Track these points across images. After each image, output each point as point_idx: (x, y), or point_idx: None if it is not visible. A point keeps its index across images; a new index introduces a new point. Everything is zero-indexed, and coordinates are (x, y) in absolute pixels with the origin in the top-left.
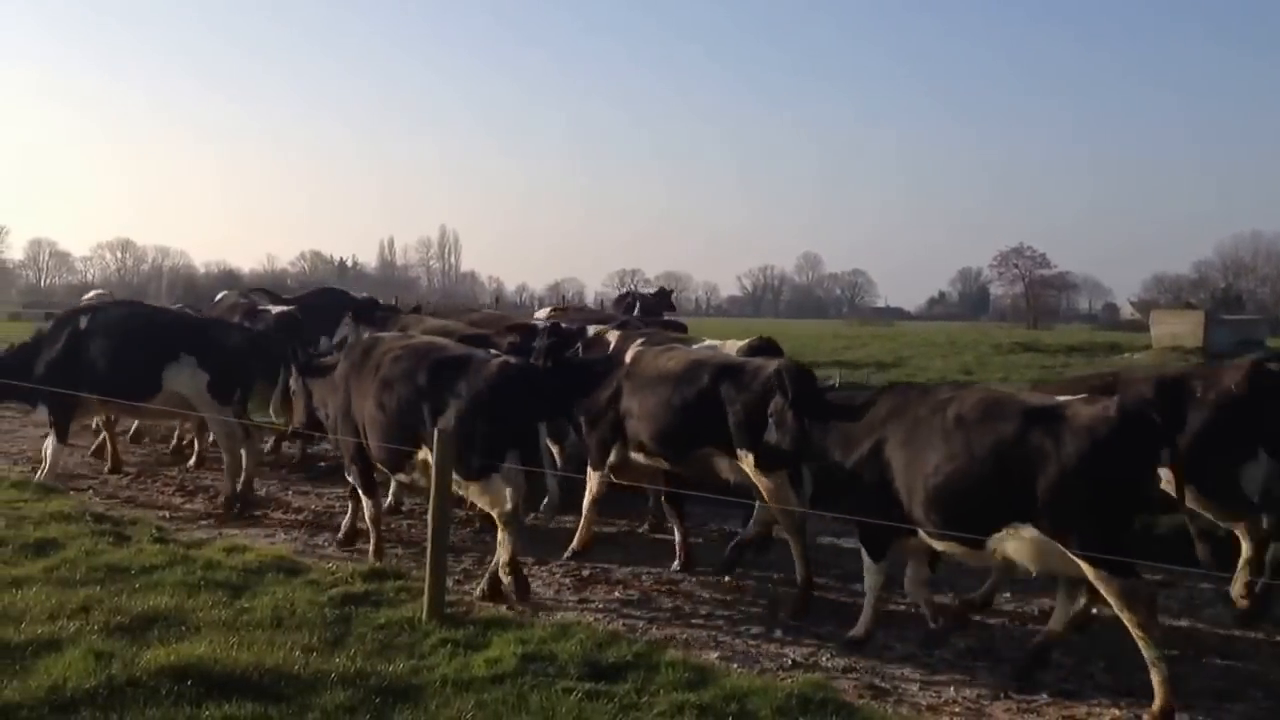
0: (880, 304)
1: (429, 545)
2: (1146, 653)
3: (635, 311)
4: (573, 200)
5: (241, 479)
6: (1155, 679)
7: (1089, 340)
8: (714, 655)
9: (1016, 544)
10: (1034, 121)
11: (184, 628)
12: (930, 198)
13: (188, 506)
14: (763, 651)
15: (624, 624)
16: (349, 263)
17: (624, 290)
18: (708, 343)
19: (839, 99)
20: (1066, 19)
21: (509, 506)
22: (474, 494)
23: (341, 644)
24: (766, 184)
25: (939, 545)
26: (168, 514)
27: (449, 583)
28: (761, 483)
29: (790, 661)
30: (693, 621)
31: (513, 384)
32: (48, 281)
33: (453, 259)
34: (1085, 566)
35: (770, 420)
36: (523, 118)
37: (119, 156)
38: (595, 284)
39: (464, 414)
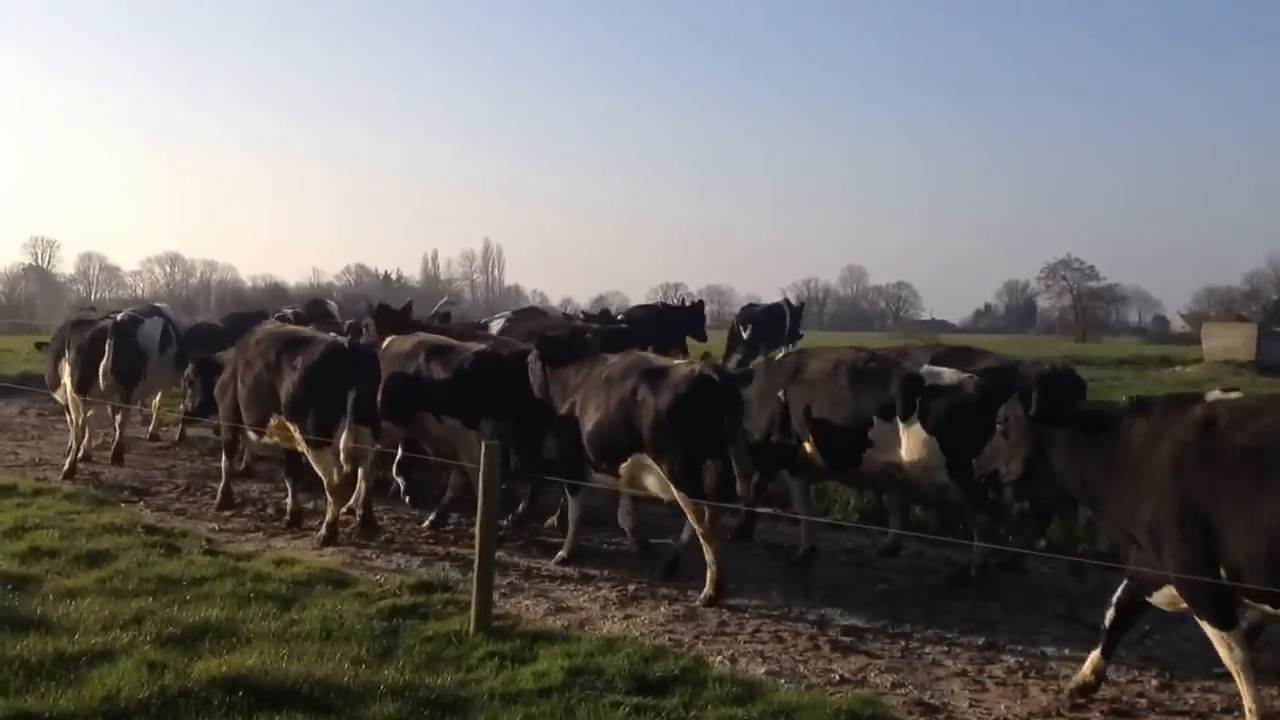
0: (925, 317)
1: (476, 558)
2: (706, 555)
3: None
4: (615, 214)
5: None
6: (710, 573)
7: (1138, 353)
8: (761, 670)
9: (636, 469)
10: (1080, 131)
11: (235, 639)
12: (976, 209)
13: (237, 518)
14: (810, 667)
15: (670, 639)
16: (393, 276)
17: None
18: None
19: (881, 110)
20: (1113, 25)
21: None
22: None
23: (390, 656)
24: (808, 196)
25: (597, 475)
26: (217, 526)
27: (495, 596)
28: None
29: (838, 677)
30: (739, 637)
31: (338, 358)
32: (98, 295)
33: (496, 272)
34: (673, 487)
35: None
36: (562, 131)
37: (168, 171)
38: (639, 297)
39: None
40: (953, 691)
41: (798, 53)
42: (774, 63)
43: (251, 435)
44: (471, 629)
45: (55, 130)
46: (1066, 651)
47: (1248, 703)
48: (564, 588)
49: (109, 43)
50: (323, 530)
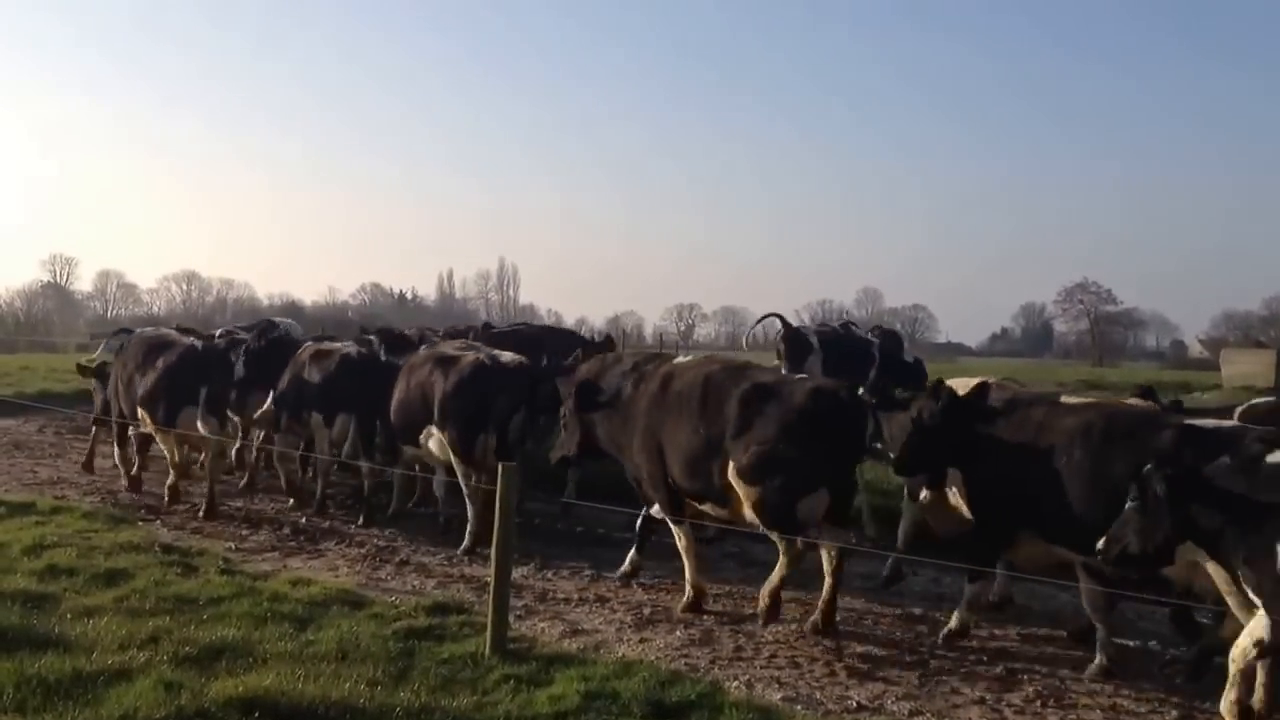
0: (941, 339)
1: (492, 580)
2: (469, 511)
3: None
4: (630, 234)
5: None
6: (469, 527)
7: (1156, 379)
8: (777, 696)
9: (432, 440)
10: (1098, 154)
11: (251, 659)
12: (992, 231)
13: (253, 538)
14: (827, 693)
15: (686, 663)
16: (409, 295)
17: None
18: None
19: (896, 132)
20: (1132, 48)
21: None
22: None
23: (405, 678)
24: (823, 217)
25: (409, 449)
26: (234, 545)
27: (510, 618)
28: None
29: (855, 703)
30: (756, 662)
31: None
32: (114, 312)
33: (511, 291)
34: (451, 454)
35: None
36: (577, 153)
37: (186, 190)
38: (654, 317)
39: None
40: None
41: (814, 76)
42: (791, 86)
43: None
44: (487, 651)
45: (75, 149)
46: (1086, 680)
47: (690, 578)
48: (579, 610)
49: (131, 65)
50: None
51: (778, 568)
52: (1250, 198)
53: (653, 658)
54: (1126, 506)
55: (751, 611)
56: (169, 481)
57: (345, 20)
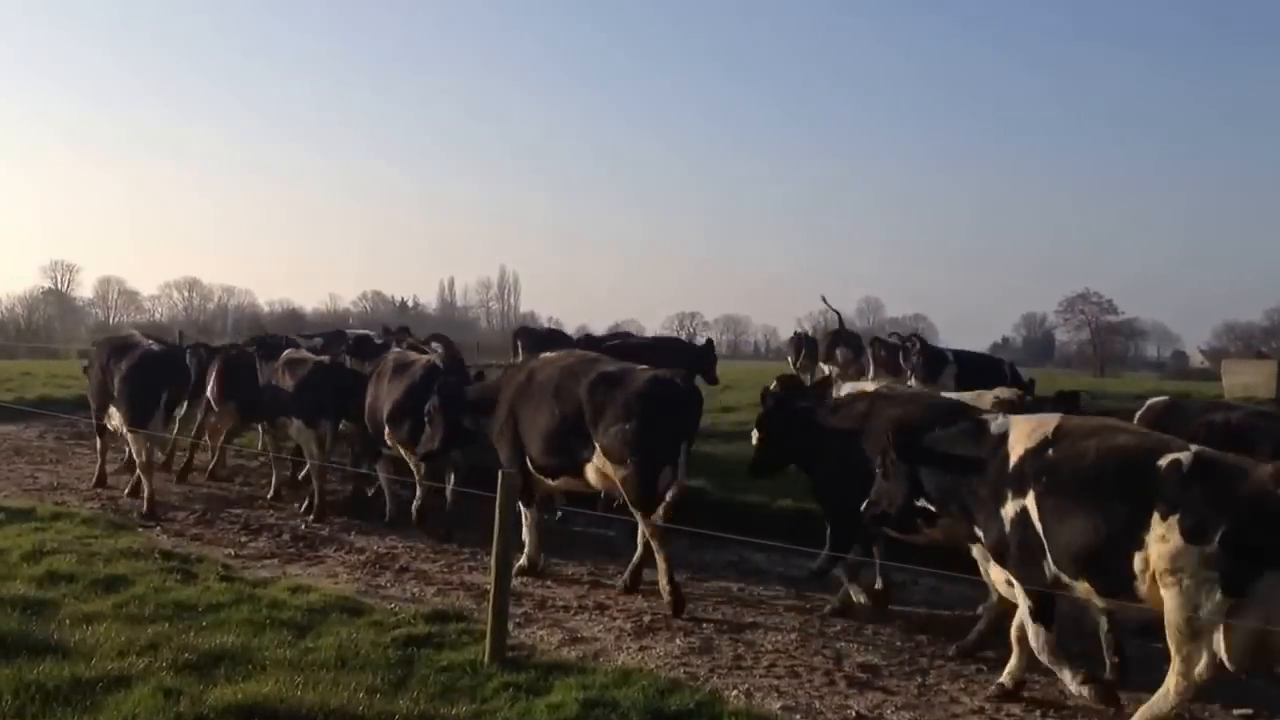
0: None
1: (492, 588)
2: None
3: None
4: (631, 243)
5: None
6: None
7: (1156, 389)
8: (777, 705)
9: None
10: (1099, 164)
11: (250, 666)
12: (993, 242)
13: (252, 545)
14: (826, 703)
15: (685, 672)
16: (410, 303)
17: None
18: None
19: (897, 142)
20: (1131, 62)
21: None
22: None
23: (404, 686)
24: (825, 227)
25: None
26: (233, 552)
27: (510, 626)
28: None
29: (854, 713)
30: (755, 671)
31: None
32: (116, 319)
33: (512, 300)
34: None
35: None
36: (578, 161)
37: (187, 197)
38: (654, 326)
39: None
40: None
41: (815, 84)
42: (793, 93)
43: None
44: (486, 659)
45: (75, 156)
46: (1084, 691)
47: (529, 549)
48: (579, 618)
49: (132, 70)
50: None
51: (659, 559)
52: (1253, 209)
53: (652, 666)
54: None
55: (752, 620)
56: (145, 493)
57: (350, 26)
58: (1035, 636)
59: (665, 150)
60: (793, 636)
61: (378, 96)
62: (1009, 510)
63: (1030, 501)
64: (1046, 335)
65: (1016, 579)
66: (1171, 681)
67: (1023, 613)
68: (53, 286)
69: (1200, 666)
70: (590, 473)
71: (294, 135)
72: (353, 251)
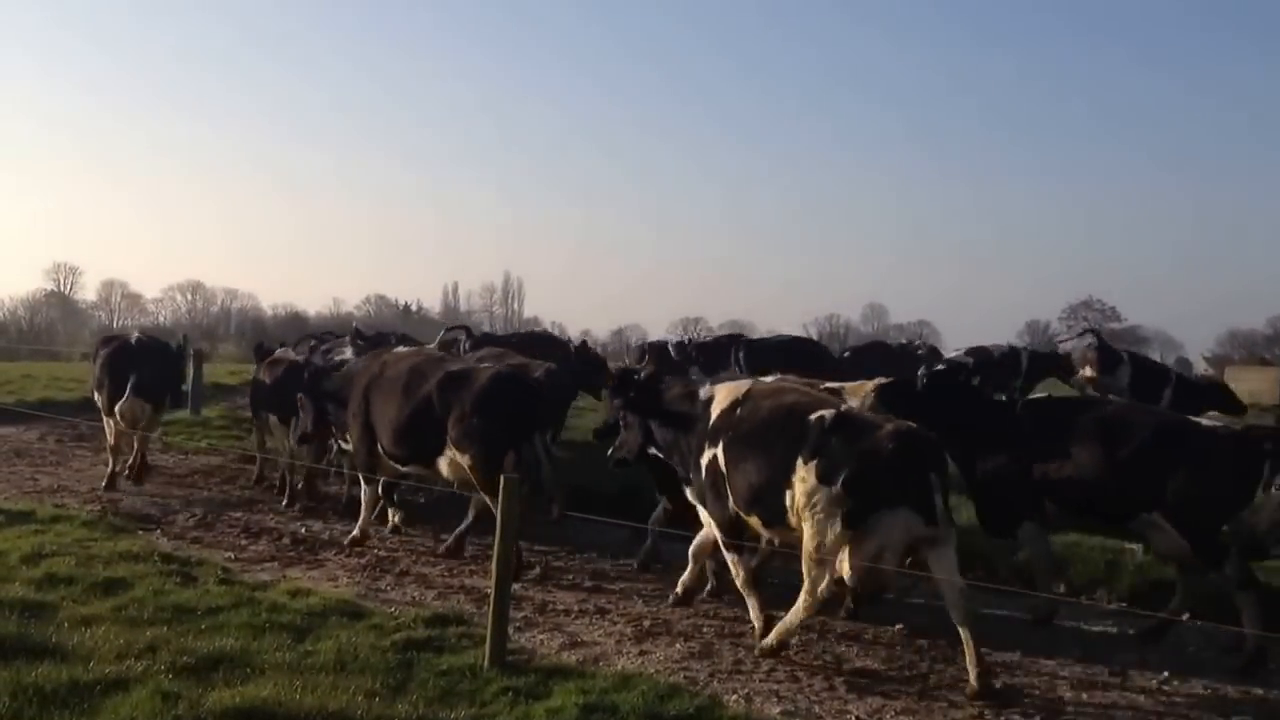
0: (947, 355)
1: (492, 591)
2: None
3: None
4: (638, 247)
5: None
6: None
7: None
8: (776, 710)
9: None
10: (1102, 172)
11: (249, 670)
12: (997, 249)
13: (252, 548)
14: (826, 708)
15: (685, 676)
16: (413, 307)
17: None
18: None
19: (901, 147)
20: (1134, 71)
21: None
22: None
23: (404, 690)
24: (831, 233)
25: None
26: (233, 555)
27: (510, 630)
28: None
29: (854, 718)
30: (755, 675)
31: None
32: (119, 322)
33: (515, 304)
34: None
35: None
36: (584, 166)
37: (190, 199)
38: (659, 331)
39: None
40: None
41: (824, 90)
42: (800, 97)
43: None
44: (486, 663)
45: (78, 157)
46: (1084, 696)
47: (360, 524)
48: (579, 622)
49: (134, 70)
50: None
51: (470, 515)
52: (1256, 216)
53: (652, 671)
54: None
55: (752, 624)
56: (111, 468)
57: (357, 28)
58: (732, 566)
59: (675, 156)
60: (793, 641)
61: (383, 98)
62: (705, 459)
63: (720, 451)
64: (1050, 342)
65: (710, 515)
66: (801, 599)
67: (721, 546)
68: (55, 289)
69: (823, 586)
70: (443, 464)
71: (299, 137)
72: (357, 255)
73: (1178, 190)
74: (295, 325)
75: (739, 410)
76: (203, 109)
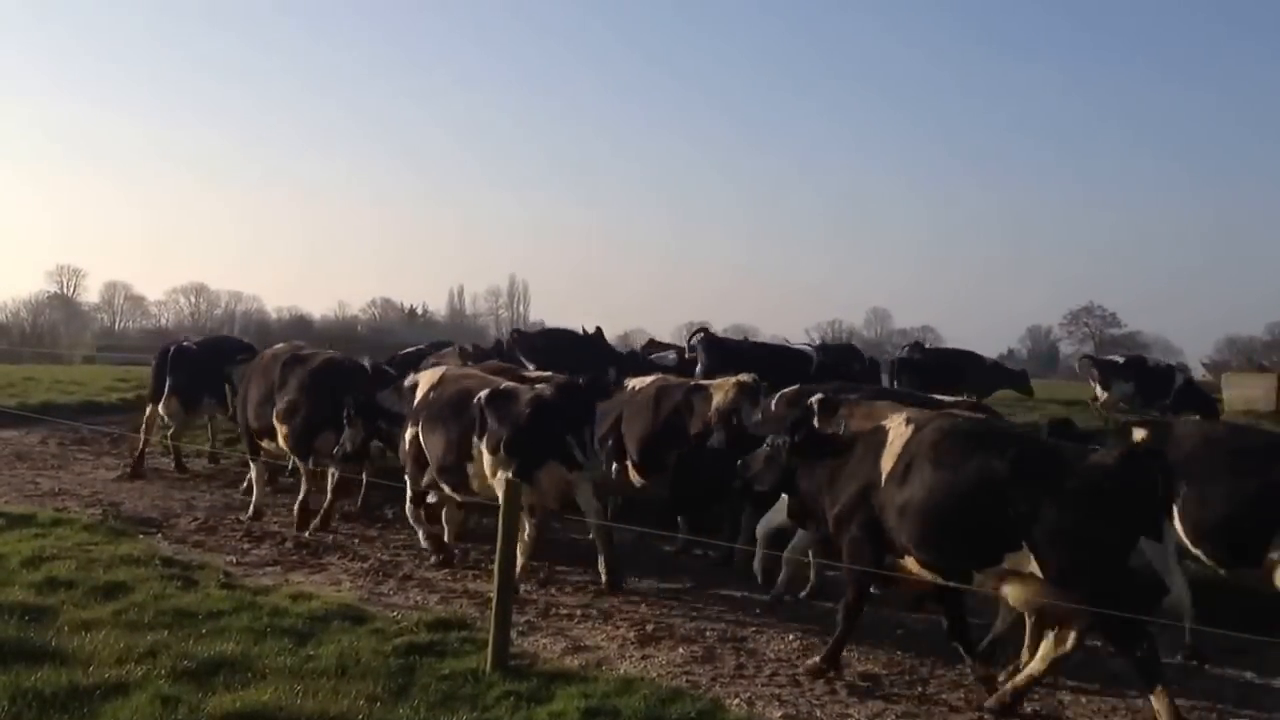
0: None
1: (494, 596)
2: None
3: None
4: (647, 252)
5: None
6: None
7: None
8: (778, 714)
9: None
10: (1104, 179)
11: (250, 674)
12: (999, 255)
13: (254, 552)
14: (827, 711)
15: (687, 680)
16: (419, 310)
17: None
18: None
19: (907, 149)
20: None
21: None
22: None
23: (405, 694)
24: (835, 240)
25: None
26: (235, 559)
27: (512, 634)
28: None
29: None
30: (757, 679)
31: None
32: (122, 325)
33: (521, 308)
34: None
35: None
36: (590, 169)
37: (194, 201)
38: (664, 335)
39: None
40: None
41: (837, 94)
42: (810, 100)
43: None
44: (488, 667)
45: (81, 160)
46: (1084, 700)
47: (256, 498)
48: (582, 626)
49: (137, 72)
50: None
51: (304, 483)
52: (1256, 224)
53: (654, 675)
54: None
55: (754, 629)
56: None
57: (362, 31)
58: (411, 515)
59: (687, 158)
60: (795, 645)
61: (389, 100)
62: (408, 436)
63: (420, 429)
64: (1051, 348)
65: (410, 480)
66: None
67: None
68: (58, 291)
69: (527, 530)
70: (279, 435)
71: (303, 140)
72: (363, 258)
73: (1180, 199)
74: (300, 328)
75: (432, 394)
76: (206, 111)
